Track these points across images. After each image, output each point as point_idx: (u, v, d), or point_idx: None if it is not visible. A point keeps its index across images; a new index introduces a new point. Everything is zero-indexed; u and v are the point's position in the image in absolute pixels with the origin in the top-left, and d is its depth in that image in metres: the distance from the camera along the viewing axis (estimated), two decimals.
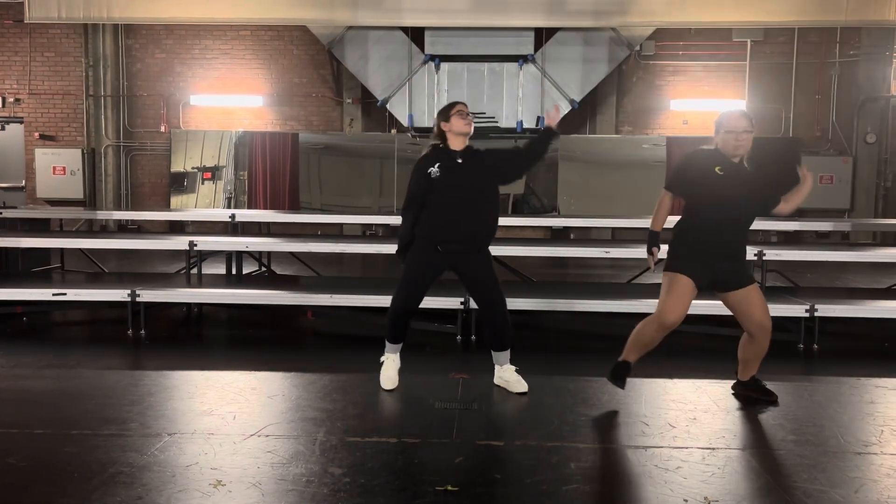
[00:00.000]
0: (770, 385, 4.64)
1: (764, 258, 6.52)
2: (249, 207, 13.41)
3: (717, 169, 4.09)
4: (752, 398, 4.35)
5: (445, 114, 4.45)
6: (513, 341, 4.56)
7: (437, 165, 4.37)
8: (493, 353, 4.58)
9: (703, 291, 4.17)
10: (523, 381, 4.47)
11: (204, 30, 13.72)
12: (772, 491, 3.05)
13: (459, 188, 4.37)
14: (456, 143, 4.44)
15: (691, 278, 4.08)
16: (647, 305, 5.71)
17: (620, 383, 4.26)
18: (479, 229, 4.44)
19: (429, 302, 6.19)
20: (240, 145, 13.64)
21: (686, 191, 4.20)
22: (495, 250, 6.99)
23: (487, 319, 4.54)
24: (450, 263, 4.46)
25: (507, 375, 4.52)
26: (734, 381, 4.47)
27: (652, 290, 6.48)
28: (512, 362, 4.55)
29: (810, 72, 13.41)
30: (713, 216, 4.09)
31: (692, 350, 6.07)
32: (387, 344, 4.61)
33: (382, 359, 4.61)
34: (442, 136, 4.47)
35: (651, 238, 4.26)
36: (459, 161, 4.41)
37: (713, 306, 6.45)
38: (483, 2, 11.61)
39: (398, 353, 4.60)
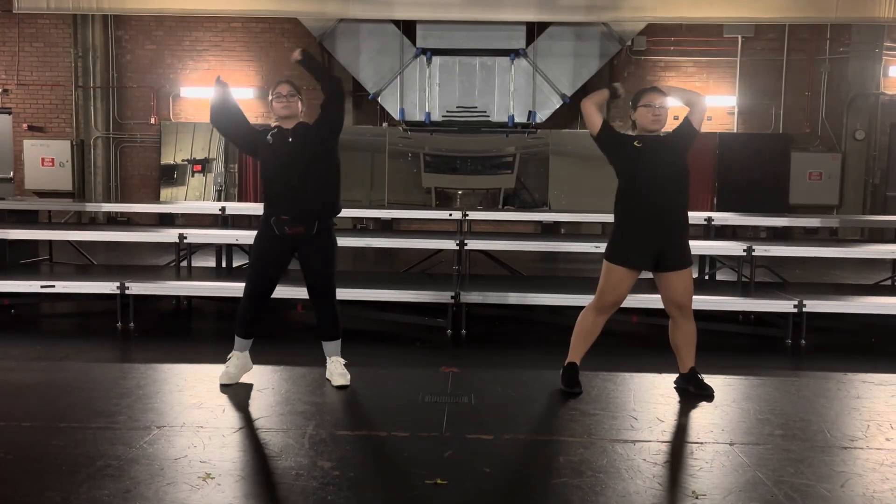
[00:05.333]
0: (758, 379, 4.68)
1: (753, 253, 6.55)
2: (239, 200, 13.35)
3: (635, 143, 4.19)
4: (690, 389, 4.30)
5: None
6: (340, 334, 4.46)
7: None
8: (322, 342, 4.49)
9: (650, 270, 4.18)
10: (346, 374, 4.37)
11: (195, 21, 13.62)
12: (759, 485, 3.07)
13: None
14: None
15: (630, 267, 4.13)
16: (636, 300, 5.73)
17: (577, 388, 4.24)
18: None
19: (419, 296, 6.22)
20: None
21: (612, 148, 4.32)
22: (485, 245, 7.08)
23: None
24: None
25: (332, 367, 4.42)
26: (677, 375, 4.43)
27: (641, 285, 6.49)
28: (507, 358, 4.51)
29: (800, 68, 13.45)
30: (640, 192, 4.13)
31: None
32: (236, 340, 4.41)
33: (229, 356, 4.40)
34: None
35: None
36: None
37: (699, 301, 6.51)
38: None
39: (247, 352, 4.43)
